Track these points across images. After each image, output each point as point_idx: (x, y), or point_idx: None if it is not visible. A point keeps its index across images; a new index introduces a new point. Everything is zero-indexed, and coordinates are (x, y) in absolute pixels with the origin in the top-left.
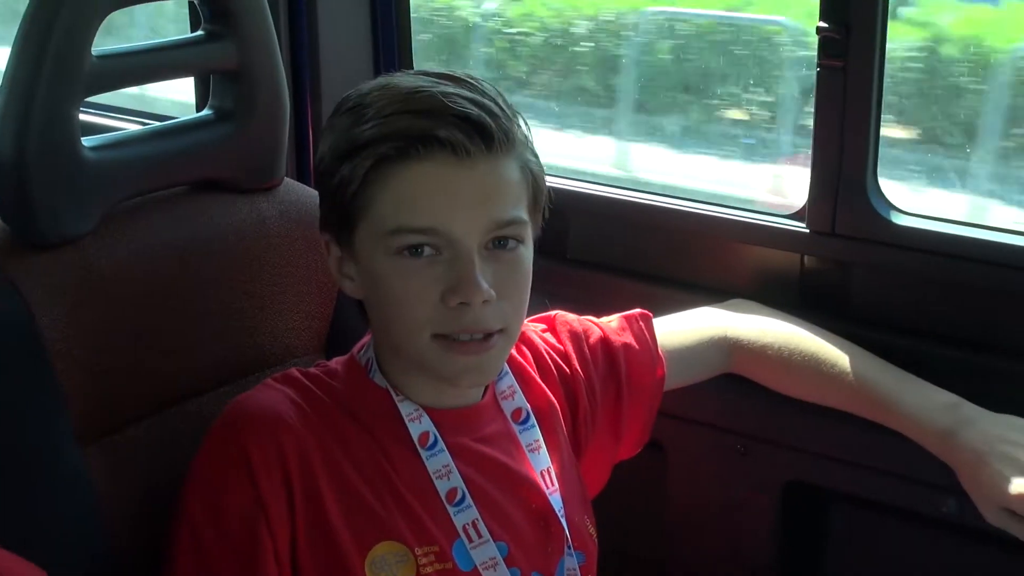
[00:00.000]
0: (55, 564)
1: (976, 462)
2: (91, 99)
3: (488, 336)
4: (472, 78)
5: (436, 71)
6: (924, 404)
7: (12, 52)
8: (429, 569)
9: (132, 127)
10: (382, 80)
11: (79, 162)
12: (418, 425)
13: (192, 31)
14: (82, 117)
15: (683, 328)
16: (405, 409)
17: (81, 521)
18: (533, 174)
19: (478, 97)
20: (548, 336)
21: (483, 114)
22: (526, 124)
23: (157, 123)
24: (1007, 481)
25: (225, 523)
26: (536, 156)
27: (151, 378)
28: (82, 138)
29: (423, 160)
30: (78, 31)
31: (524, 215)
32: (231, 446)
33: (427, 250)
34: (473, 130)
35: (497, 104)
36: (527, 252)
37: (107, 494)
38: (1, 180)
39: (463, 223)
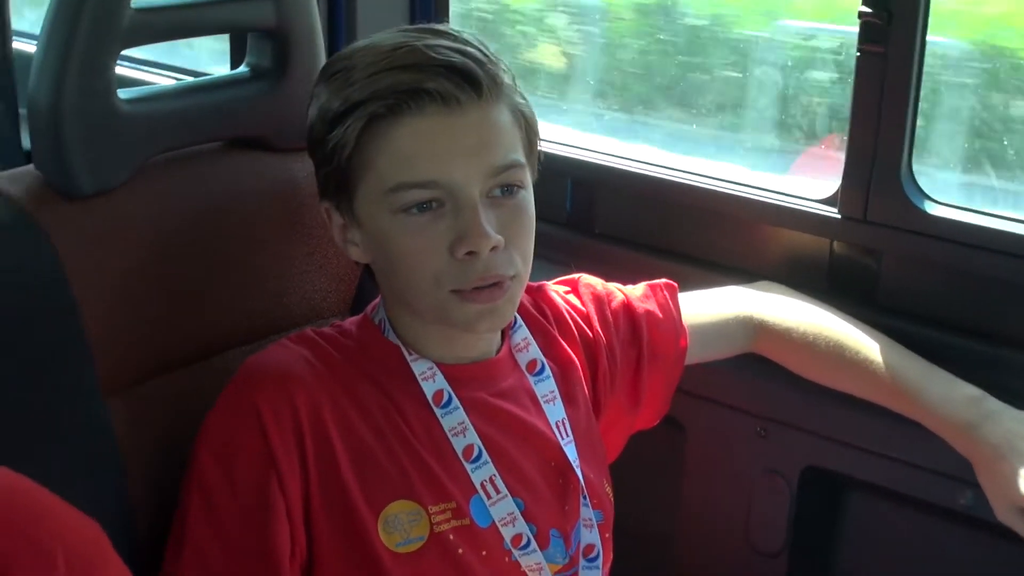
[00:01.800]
0: None
1: (994, 458)
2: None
3: (500, 281)
4: (452, 28)
5: (417, 26)
6: (947, 396)
7: (51, 3)
8: (445, 527)
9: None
10: (362, 42)
11: (114, 114)
12: (432, 384)
13: None
14: (118, 70)
15: (709, 303)
16: (418, 368)
17: (102, 471)
18: (525, 116)
19: (461, 46)
20: (571, 298)
21: (468, 62)
22: (510, 69)
23: (193, 78)
24: (1023, 480)
25: (235, 478)
26: (525, 99)
27: (177, 332)
28: (118, 91)
29: (415, 114)
30: None
31: (521, 158)
32: (244, 403)
33: (430, 204)
34: (461, 79)
35: (481, 51)
36: (528, 196)
37: (128, 445)
38: (37, 130)
39: (462, 172)
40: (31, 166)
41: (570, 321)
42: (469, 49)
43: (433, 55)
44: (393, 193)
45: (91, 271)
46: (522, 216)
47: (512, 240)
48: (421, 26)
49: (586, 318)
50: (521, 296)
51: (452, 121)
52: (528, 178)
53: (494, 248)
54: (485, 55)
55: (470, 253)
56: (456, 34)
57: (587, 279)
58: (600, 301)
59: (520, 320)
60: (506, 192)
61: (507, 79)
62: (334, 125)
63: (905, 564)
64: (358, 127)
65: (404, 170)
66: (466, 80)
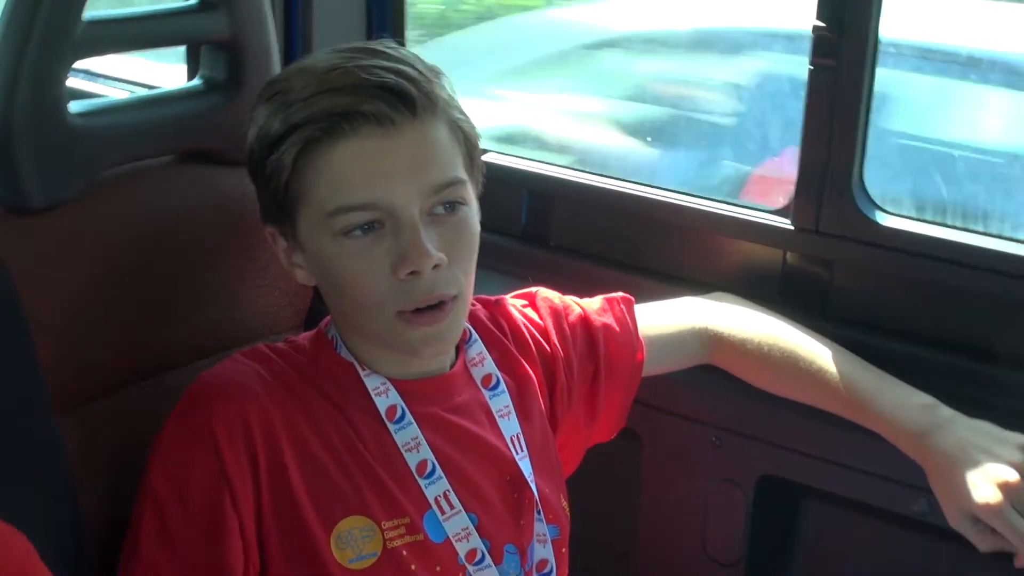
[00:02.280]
0: (27, 532)
1: (947, 466)
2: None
3: (443, 303)
4: (388, 46)
5: (351, 45)
6: (899, 404)
7: (3, 14)
8: (398, 542)
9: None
10: (298, 64)
11: (66, 128)
12: (385, 399)
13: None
14: (68, 82)
15: (664, 316)
16: (371, 383)
17: (53, 489)
18: (464, 131)
19: (395, 65)
20: (529, 311)
21: (402, 80)
22: (449, 83)
23: (145, 91)
24: (974, 488)
25: (189, 496)
26: (464, 114)
27: (129, 348)
28: (70, 103)
29: (350, 137)
30: None
31: (461, 174)
32: (196, 419)
33: (371, 226)
34: (395, 98)
35: (415, 68)
36: (471, 212)
37: (80, 464)
38: None
39: (400, 192)
40: None
41: (527, 335)
42: (403, 68)
43: (366, 76)
44: (332, 217)
45: (42, 287)
46: (464, 233)
47: (455, 258)
48: (358, 45)
49: (544, 332)
50: (465, 316)
51: (388, 142)
52: (470, 193)
53: (436, 267)
54: (420, 72)
55: (412, 273)
56: (391, 52)
57: (544, 293)
58: (558, 315)
59: (475, 334)
60: (448, 209)
61: (444, 95)
62: (271, 149)
63: (861, 571)
64: (294, 151)
65: (342, 193)
66: (400, 100)
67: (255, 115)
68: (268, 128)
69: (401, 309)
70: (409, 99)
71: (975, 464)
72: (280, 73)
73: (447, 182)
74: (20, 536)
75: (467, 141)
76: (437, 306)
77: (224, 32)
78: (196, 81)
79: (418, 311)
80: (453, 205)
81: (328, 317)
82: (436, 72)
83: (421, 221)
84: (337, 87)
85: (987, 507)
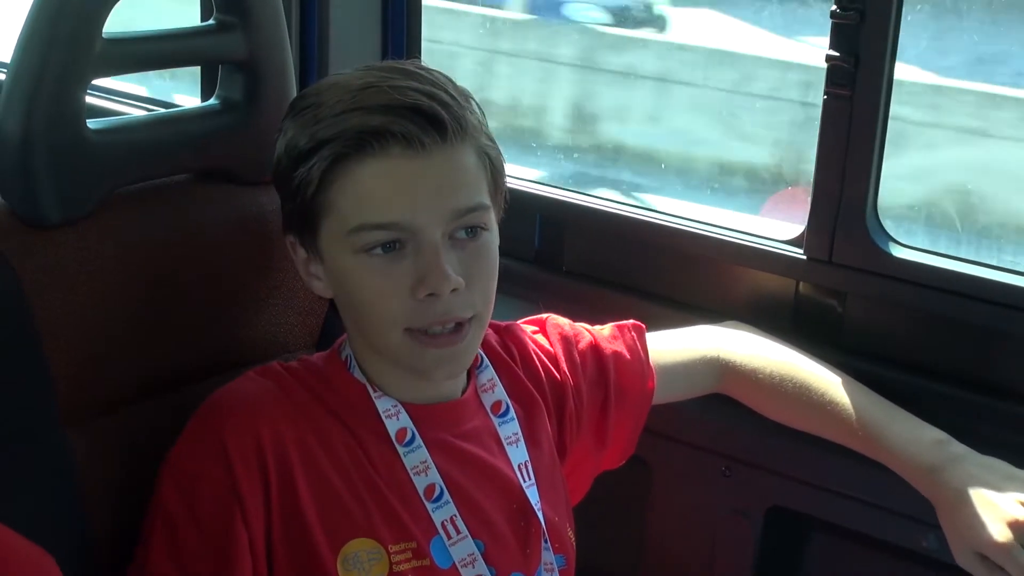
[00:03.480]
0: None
1: (956, 502)
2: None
3: (459, 326)
4: (421, 67)
5: (386, 64)
6: (911, 439)
7: (23, 30)
8: (404, 566)
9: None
10: (331, 79)
11: (83, 144)
12: (395, 421)
13: (203, 20)
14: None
15: (676, 344)
16: (382, 405)
17: (61, 503)
18: (490, 158)
19: (428, 88)
20: (539, 338)
21: (435, 104)
22: (479, 108)
23: (163, 110)
24: (984, 526)
25: (199, 510)
26: (492, 140)
27: (140, 365)
28: (87, 120)
29: (379, 156)
30: (91, 13)
31: (486, 200)
32: (208, 435)
33: (392, 245)
34: (426, 121)
35: (448, 92)
36: (492, 238)
37: (89, 477)
38: (4, 158)
39: (424, 214)
40: None
41: (537, 362)
42: (436, 91)
43: (399, 96)
44: (355, 233)
45: (55, 301)
46: (484, 258)
47: (473, 282)
48: (391, 64)
49: (553, 359)
50: (481, 339)
51: (416, 163)
52: (492, 220)
53: (455, 290)
54: (452, 96)
55: (431, 295)
56: (424, 74)
57: (555, 319)
58: (568, 342)
59: (486, 360)
60: (469, 234)
61: (474, 120)
62: (299, 162)
63: None
64: (323, 166)
65: (366, 211)
66: (431, 122)
67: (284, 126)
68: (297, 141)
69: (411, 327)
70: (440, 123)
71: (985, 501)
72: (312, 87)
73: (471, 207)
74: (42, 553)
75: (492, 167)
76: (454, 329)
77: (242, 53)
78: (213, 101)
79: (431, 334)
80: (475, 230)
81: (343, 337)
82: (467, 96)
83: (442, 244)
84: (369, 106)
85: (996, 545)
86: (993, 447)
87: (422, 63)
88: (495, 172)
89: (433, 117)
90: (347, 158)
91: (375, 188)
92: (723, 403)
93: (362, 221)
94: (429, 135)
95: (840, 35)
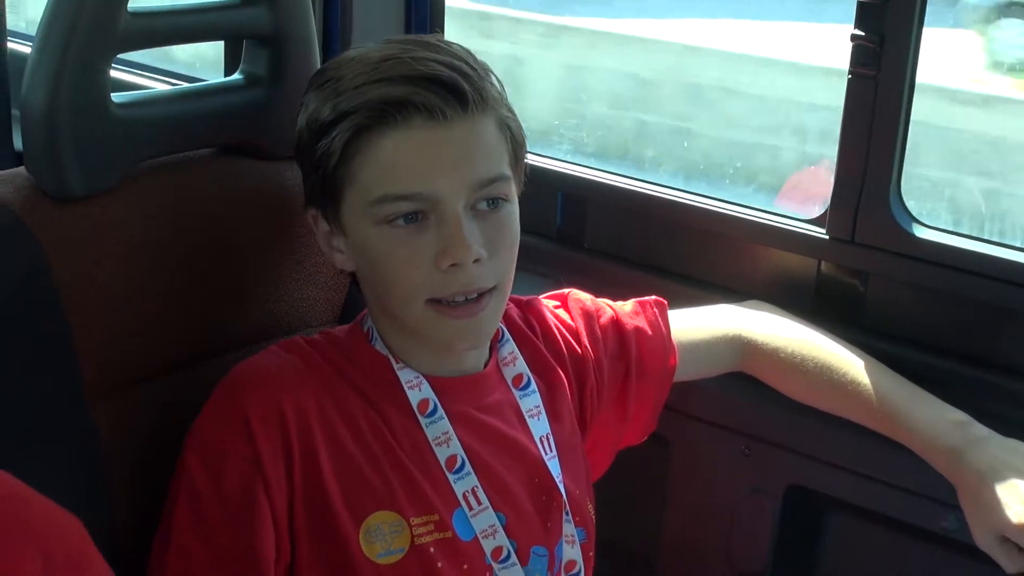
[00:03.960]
0: None
1: (978, 484)
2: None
3: (480, 296)
4: (441, 40)
5: (404, 37)
6: (933, 420)
7: (48, 5)
8: (427, 539)
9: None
10: (351, 52)
11: (108, 118)
12: (417, 392)
13: None
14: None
15: (698, 321)
16: (404, 376)
17: (85, 474)
18: (511, 130)
19: (448, 59)
20: (560, 312)
21: (455, 75)
22: (499, 81)
23: (187, 84)
24: (1005, 508)
25: (223, 482)
26: (512, 112)
27: (163, 338)
28: (112, 94)
29: (400, 127)
30: None
31: (507, 171)
32: (232, 407)
33: (415, 216)
34: (447, 92)
35: (468, 64)
36: (513, 209)
37: (112, 450)
38: (29, 131)
39: (446, 185)
40: (22, 168)
41: (558, 336)
42: (456, 62)
43: (420, 67)
44: (377, 204)
45: (79, 274)
46: (506, 229)
47: (494, 252)
48: (410, 38)
49: (575, 333)
50: (502, 311)
51: (438, 134)
52: (513, 191)
53: (477, 260)
54: (473, 68)
55: (453, 265)
56: (444, 46)
57: (577, 294)
58: (589, 316)
59: (507, 334)
60: (491, 205)
61: (494, 92)
62: (321, 134)
63: None
64: (344, 137)
65: (388, 181)
66: (452, 93)
67: (306, 100)
68: (319, 113)
69: (433, 297)
70: (461, 93)
71: (1006, 483)
72: (332, 61)
73: (493, 177)
74: (76, 521)
75: (513, 139)
76: (475, 299)
77: (266, 27)
78: (237, 75)
79: (453, 304)
80: (496, 201)
81: (365, 311)
82: (487, 69)
83: (464, 215)
84: (390, 77)
85: (1016, 527)
86: (1015, 429)
87: (443, 38)
88: (516, 144)
89: (454, 88)
90: (368, 130)
91: (397, 159)
92: (744, 382)
93: (384, 192)
94: (450, 106)
95: (865, 14)
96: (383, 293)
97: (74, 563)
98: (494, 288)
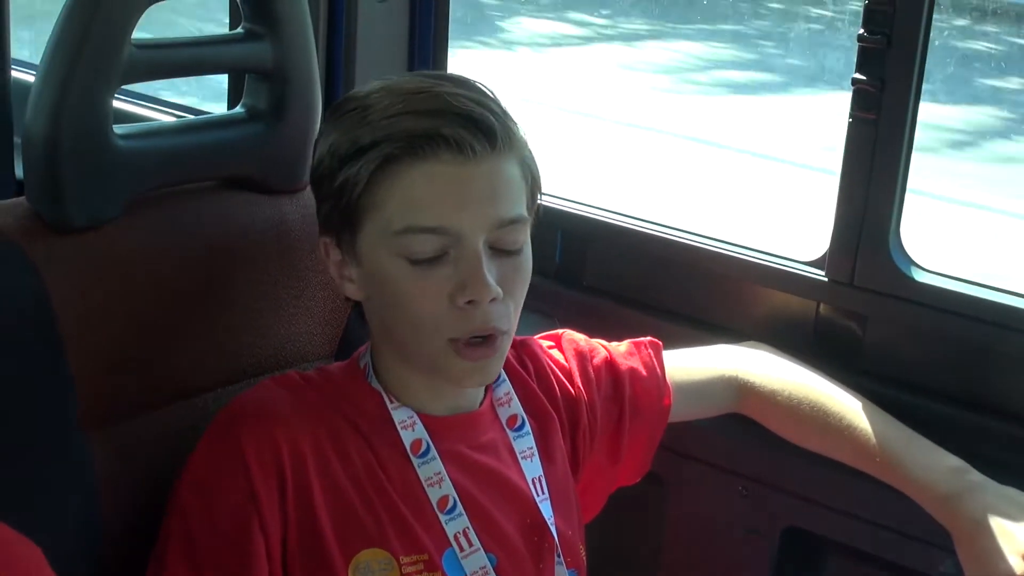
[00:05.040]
0: (49, 545)
1: (974, 532)
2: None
3: (493, 337)
4: (469, 79)
5: (434, 72)
6: (930, 467)
7: (52, 35)
8: None
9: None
10: (380, 83)
11: (109, 149)
12: (411, 432)
13: (231, 28)
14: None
15: (694, 362)
16: (399, 416)
17: (79, 505)
18: (531, 172)
19: (479, 97)
20: (554, 353)
21: (486, 113)
22: (521, 125)
23: (189, 116)
24: (1001, 557)
25: (217, 517)
26: (532, 155)
27: (161, 370)
28: (114, 126)
29: (428, 160)
30: (120, 19)
31: (525, 213)
32: (228, 442)
33: (435, 251)
34: (477, 129)
35: (498, 104)
36: (528, 251)
37: (107, 481)
38: (31, 161)
39: (470, 221)
40: (23, 197)
41: (552, 377)
42: (487, 101)
43: (452, 102)
44: (399, 236)
45: (78, 304)
46: (521, 271)
47: (509, 293)
48: (440, 73)
49: (568, 374)
50: (506, 353)
51: (465, 170)
52: (528, 234)
53: (493, 300)
54: (501, 108)
55: (470, 302)
56: (474, 84)
57: (570, 335)
58: (583, 357)
59: (504, 374)
60: (510, 245)
61: (519, 133)
62: (346, 162)
63: None
64: (371, 167)
65: (413, 214)
66: (482, 131)
67: (326, 128)
68: (343, 141)
69: (454, 337)
70: (491, 131)
71: (1003, 532)
72: (359, 90)
73: (514, 218)
74: (29, 544)
75: (533, 182)
76: (487, 340)
77: (268, 62)
78: (239, 109)
79: (470, 344)
80: (516, 242)
81: (363, 347)
82: (510, 113)
83: (484, 252)
84: (421, 110)
85: None
86: (1013, 476)
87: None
88: (534, 188)
89: (485, 125)
90: (397, 160)
91: (424, 192)
92: (740, 422)
93: (407, 223)
94: (480, 142)
95: (866, 59)
96: (395, 325)
97: None
98: (506, 331)
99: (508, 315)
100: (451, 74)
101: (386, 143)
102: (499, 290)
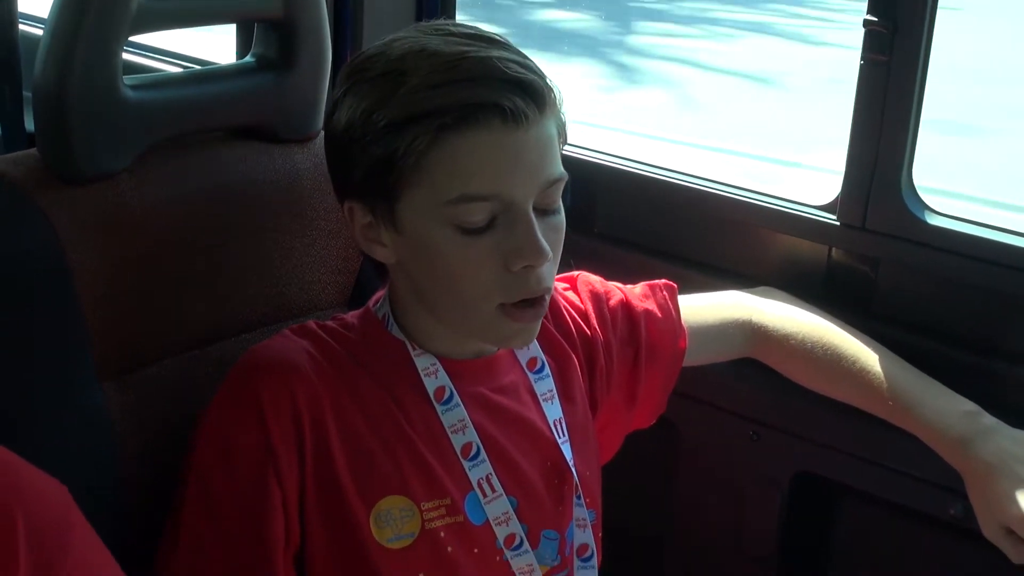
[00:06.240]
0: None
1: (986, 475)
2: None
3: (542, 298)
4: (501, 37)
5: (459, 30)
6: (942, 410)
7: None
8: (438, 523)
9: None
10: (406, 42)
11: (119, 100)
12: (434, 380)
13: None
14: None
15: (708, 306)
16: (421, 363)
17: (95, 455)
18: (563, 130)
19: (523, 59)
20: (570, 294)
21: (535, 78)
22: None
23: (198, 66)
24: (1012, 500)
25: (234, 468)
26: (563, 111)
27: (174, 320)
28: (123, 76)
29: (481, 128)
30: None
31: (563, 171)
32: (244, 392)
33: (486, 219)
34: (528, 95)
35: (535, 64)
36: (563, 209)
37: (123, 431)
38: (41, 113)
39: (522, 187)
40: (34, 149)
41: (568, 318)
42: (529, 63)
43: (503, 68)
44: (453, 205)
45: (90, 255)
46: (560, 229)
47: (553, 255)
48: (468, 31)
49: (584, 315)
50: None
51: (516, 136)
52: None
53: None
54: (540, 68)
55: (527, 267)
56: (509, 44)
57: (586, 276)
58: (598, 298)
59: None
60: (551, 204)
61: (558, 93)
62: (390, 131)
63: (894, 572)
64: (425, 138)
65: (466, 182)
66: (532, 96)
67: (355, 88)
68: (383, 109)
69: (505, 302)
70: (540, 96)
71: (1013, 475)
72: (382, 48)
73: (556, 178)
74: (59, 486)
75: (563, 139)
76: (536, 301)
77: (278, 10)
78: (248, 58)
79: (520, 306)
80: (555, 201)
81: (377, 295)
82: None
83: (534, 216)
84: (472, 78)
85: (1022, 521)
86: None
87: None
88: (562, 143)
89: (533, 90)
90: (449, 129)
91: (478, 160)
92: (753, 368)
93: (461, 192)
94: (531, 108)
95: (878, 0)
96: (435, 290)
97: (58, 526)
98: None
99: (552, 274)
100: (480, 32)
101: (439, 114)
102: (550, 251)
